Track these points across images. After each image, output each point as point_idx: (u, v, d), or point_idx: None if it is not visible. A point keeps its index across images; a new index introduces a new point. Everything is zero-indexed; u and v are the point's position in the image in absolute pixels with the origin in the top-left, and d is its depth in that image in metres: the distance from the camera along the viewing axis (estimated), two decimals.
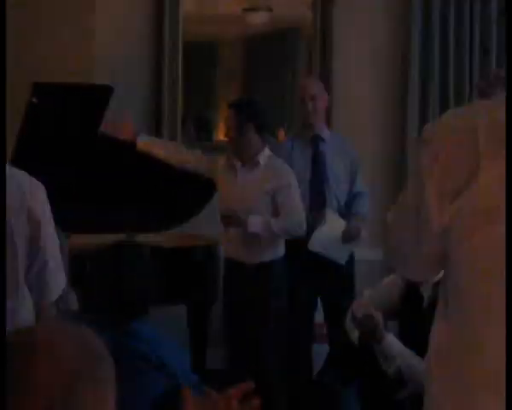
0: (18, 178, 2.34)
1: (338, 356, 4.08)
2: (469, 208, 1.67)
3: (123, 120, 4.91)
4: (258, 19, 6.59)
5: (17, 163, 4.53)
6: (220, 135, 5.89)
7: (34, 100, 4.60)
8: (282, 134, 6.33)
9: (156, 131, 5.75)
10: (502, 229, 1.62)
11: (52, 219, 2.42)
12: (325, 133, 5.12)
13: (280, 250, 4.75)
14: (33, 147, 4.70)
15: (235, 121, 4.66)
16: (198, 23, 6.28)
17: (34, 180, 2.41)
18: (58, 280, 2.43)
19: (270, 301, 4.66)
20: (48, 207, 2.39)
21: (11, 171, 2.37)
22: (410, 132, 5.93)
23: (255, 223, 4.58)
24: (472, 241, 1.67)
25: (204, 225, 5.31)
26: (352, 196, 5.08)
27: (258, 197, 4.62)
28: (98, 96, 4.82)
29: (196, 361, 4.88)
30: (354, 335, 3.55)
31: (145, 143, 4.87)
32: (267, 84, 6.53)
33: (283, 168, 4.71)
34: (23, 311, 2.32)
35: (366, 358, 3.43)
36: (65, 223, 4.67)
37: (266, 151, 4.74)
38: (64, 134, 4.82)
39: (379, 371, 3.37)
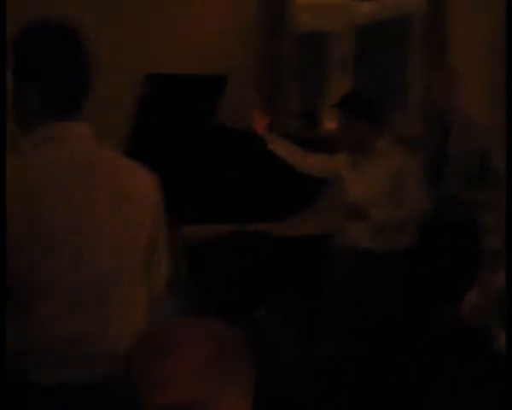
0: (143, 176, 2.30)
1: None
2: None
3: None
4: (368, 8, 6.49)
5: (131, 156, 4.62)
6: (330, 126, 5.83)
7: (146, 92, 4.57)
8: (399, 115, 6.29)
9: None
10: None
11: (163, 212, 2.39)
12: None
13: (411, 238, 4.65)
14: (147, 139, 4.68)
15: (345, 120, 4.57)
16: (306, 13, 6.22)
17: (152, 175, 2.36)
18: (167, 269, 2.41)
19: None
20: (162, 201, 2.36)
21: (135, 167, 2.33)
22: None
23: (378, 214, 4.49)
24: None
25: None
26: None
27: (382, 187, 4.53)
28: (212, 87, 4.79)
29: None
30: None
31: (273, 137, 4.87)
32: (379, 73, 6.44)
33: (401, 154, 4.60)
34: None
35: None
36: (181, 213, 4.74)
37: (385, 138, 4.65)
38: (178, 125, 4.79)
39: None
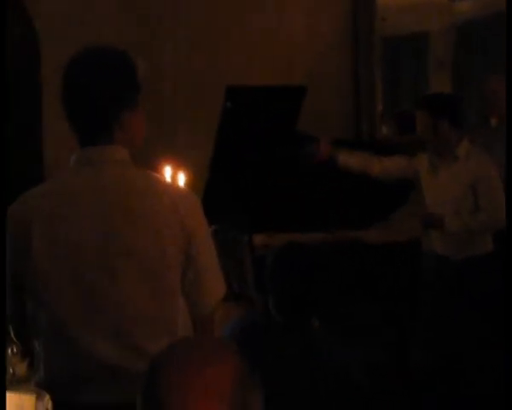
0: (170, 193, 2.33)
1: None
2: None
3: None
4: (465, 6, 6.36)
5: (216, 167, 4.72)
6: None
7: (229, 104, 4.65)
8: (495, 121, 6.11)
9: (356, 128, 5.67)
10: None
11: (207, 229, 2.40)
12: None
13: (488, 245, 4.55)
14: (229, 150, 4.76)
15: (426, 121, 4.51)
16: (402, 13, 6.15)
17: (187, 193, 2.40)
18: (214, 291, 2.39)
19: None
20: (202, 217, 2.37)
21: (163, 187, 2.38)
22: None
23: (453, 224, 4.42)
24: None
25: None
26: None
27: (459, 193, 4.45)
28: (292, 97, 4.81)
29: None
30: None
31: (343, 158, 4.88)
32: (480, 73, 6.28)
33: (483, 159, 4.50)
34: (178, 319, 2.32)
35: None
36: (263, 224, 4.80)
37: (465, 143, 4.55)
38: (259, 137, 4.84)
39: None
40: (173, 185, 2.48)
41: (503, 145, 4.47)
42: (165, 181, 2.57)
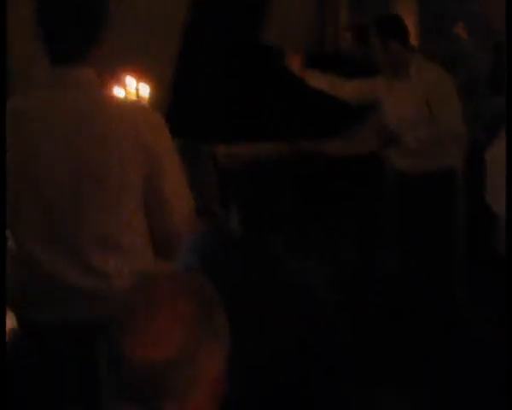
0: (135, 117, 2.31)
1: None
2: None
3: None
4: None
5: (179, 74, 4.68)
6: None
7: (192, 15, 4.60)
8: (459, 29, 6.11)
9: (320, 37, 5.64)
10: None
11: (172, 150, 2.38)
12: None
13: (446, 159, 4.60)
14: (193, 60, 4.72)
15: (377, 41, 4.51)
16: None
17: (151, 114, 2.38)
18: (182, 210, 2.40)
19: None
20: (167, 139, 2.35)
21: (125, 104, 2.37)
22: None
23: (409, 140, 4.45)
24: None
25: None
26: None
27: (414, 109, 4.47)
28: (256, 7, 4.77)
29: None
30: None
31: (310, 74, 4.87)
32: None
33: (435, 72, 4.52)
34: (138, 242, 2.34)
35: None
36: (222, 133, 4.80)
37: (417, 60, 4.57)
38: (223, 47, 4.80)
39: None
40: (138, 107, 2.44)
41: None
42: (131, 104, 2.55)
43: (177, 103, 4.72)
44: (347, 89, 4.78)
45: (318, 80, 4.87)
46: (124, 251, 2.29)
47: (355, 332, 3.79)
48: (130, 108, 2.37)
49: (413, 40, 4.66)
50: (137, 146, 2.25)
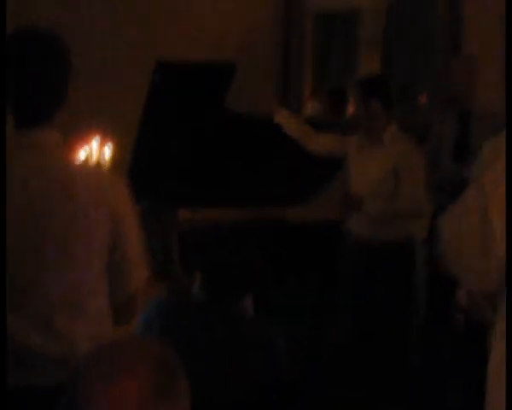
0: (100, 182, 2.35)
1: None
2: None
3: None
4: None
5: (141, 141, 4.69)
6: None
7: (157, 78, 4.62)
8: (424, 99, 6.23)
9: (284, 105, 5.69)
10: None
11: (134, 215, 2.41)
12: None
13: (404, 231, 4.62)
14: (156, 125, 4.74)
15: (359, 99, 4.56)
16: None
17: (116, 180, 2.40)
18: (138, 274, 2.41)
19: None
20: (130, 204, 2.38)
21: (89, 170, 2.39)
22: None
23: (370, 207, 4.48)
24: None
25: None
26: None
27: (379, 176, 4.51)
28: (221, 74, 4.80)
29: None
30: None
31: (284, 116, 4.85)
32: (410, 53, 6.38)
33: (407, 146, 4.56)
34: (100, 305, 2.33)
35: None
36: (185, 199, 4.81)
37: (392, 128, 4.60)
38: (187, 112, 4.83)
39: None
40: (103, 172, 2.49)
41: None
42: (95, 169, 2.60)
43: (139, 166, 4.74)
44: (320, 139, 4.80)
45: (291, 122, 4.85)
46: (88, 316, 2.30)
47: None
48: (96, 174, 2.41)
49: None
50: (103, 211, 2.28)
